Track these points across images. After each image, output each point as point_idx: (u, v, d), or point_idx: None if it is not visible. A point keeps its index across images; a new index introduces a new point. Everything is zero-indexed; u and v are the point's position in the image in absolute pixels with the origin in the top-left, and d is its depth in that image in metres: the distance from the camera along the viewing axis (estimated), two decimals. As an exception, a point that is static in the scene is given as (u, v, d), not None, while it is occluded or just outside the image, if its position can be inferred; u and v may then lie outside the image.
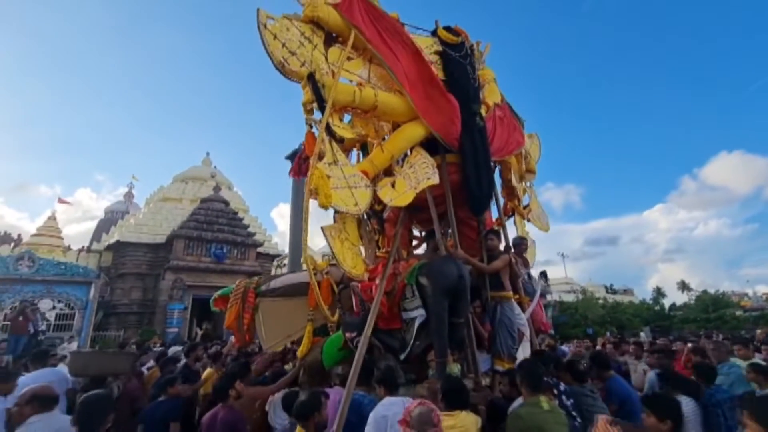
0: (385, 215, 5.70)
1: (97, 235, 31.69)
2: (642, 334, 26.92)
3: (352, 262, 3.77)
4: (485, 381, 4.14)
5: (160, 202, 26.95)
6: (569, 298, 38.16)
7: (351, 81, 4.20)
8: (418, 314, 3.99)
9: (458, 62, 5.14)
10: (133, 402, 4.85)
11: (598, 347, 9.10)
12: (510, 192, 6.13)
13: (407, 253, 5.74)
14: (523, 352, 4.56)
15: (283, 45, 3.61)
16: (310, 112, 3.72)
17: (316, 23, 3.97)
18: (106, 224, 34.59)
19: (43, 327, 15.70)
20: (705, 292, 39.70)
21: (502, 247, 5.14)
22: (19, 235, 32.33)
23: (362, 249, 4.72)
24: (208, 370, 5.65)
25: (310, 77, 3.64)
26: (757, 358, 5.88)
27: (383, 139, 4.42)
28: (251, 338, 5.24)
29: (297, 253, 15.86)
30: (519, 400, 3.08)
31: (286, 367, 5.24)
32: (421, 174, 4.23)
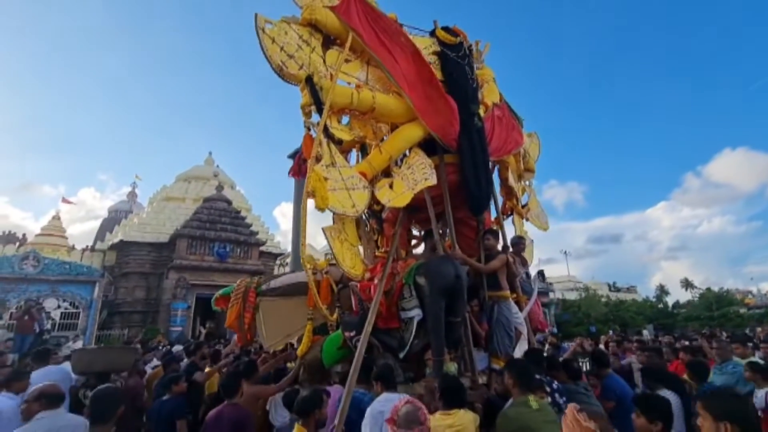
0: (383, 215, 5.75)
1: (100, 235, 31.85)
2: (645, 332, 26.92)
3: (351, 262, 3.82)
4: (482, 379, 4.19)
5: (163, 202, 27.08)
6: (572, 296, 38.10)
7: (349, 83, 4.24)
8: (416, 314, 4.04)
9: (456, 63, 5.16)
10: (135, 399, 4.97)
11: (601, 345, 9.11)
12: (508, 191, 6.15)
13: (406, 252, 5.78)
14: (521, 350, 4.60)
15: (282, 48, 3.66)
16: (308, 114, 3.76)
17: (314, 26, 4.00)
18: (109, 224, 34.76)
19: (48, 326, 15.85)
20: (709, 289, 39.63)
21: (500, 246, 5.18)
22: (24, 235, 32.56)
23: (361, 249, 4.76)
24: (207, 369, 5.75)
25: (308, 80, 3.68)
26: (756, 357, 5.91)
27: (381, 140, 4.45)
28: (252, 337, 5.31)
29: (299, 251, 15.95)
30: (514, 399, 3.13)
31: (289, 365, 5.33)
32: (419, 175, 4.27)
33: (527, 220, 6.51)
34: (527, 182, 6.77)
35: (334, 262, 4.54)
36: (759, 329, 13.71)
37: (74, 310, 17.82)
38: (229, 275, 21.25)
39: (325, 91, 3.71)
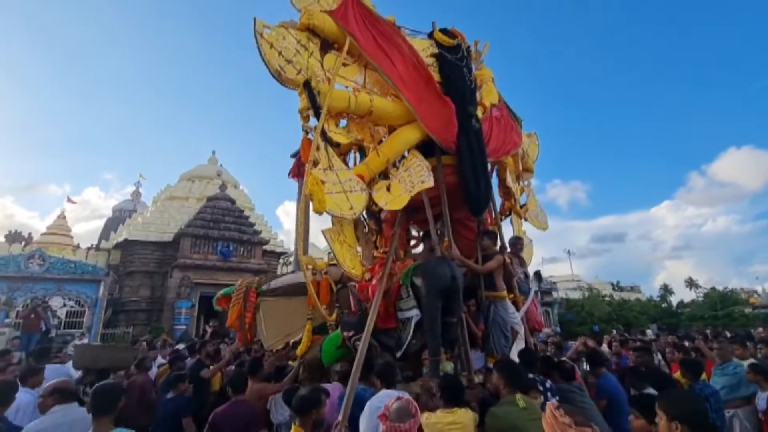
0: (382, 216, 5.81)
1: (105, 234, 32.04)
2: (648, 331, 26.85)
3: (351, 263, 3.88)
4: (478, 378, 4.24)
5: (167, 201, 27.22)
6: (575, 295, 37.99)
7: (347, 87, 4.29)
8: (415, 314, 4.10)
9: (454, 64, 5.21)
10: (142, 395, 5.10)
11: (604, 345, 9.13)
12: (507, 192, 6.19)
13: (404, 252, 5.83)
14: (518, 350, 4.66)
15: (280, 53, 3.72)
16: (306, 118, 3.83)
17: (311, 31, 4.06)
18: (114, 223, 34.97)
19: (56, 324, 16.00)
20: (713, 289, 39.39)
21: (497, 247, 5.23)
22: (30, 234, 32.79)
23: (359, 250, 4.82)
24: (212, 367, 5.86)
25: (306, 84, 3.75)
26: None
27: (379, 143, 4.50)
28: (253, 337, 5.39)
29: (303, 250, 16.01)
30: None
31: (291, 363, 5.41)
32: (416, 177, 4.32)
33: (526, 220, 6.55)
34: (526, 182, 6.81)
35: (333, 262, 4.61)
36: (760, 329, 13.64)
37: (79, 309, 17.99)
38: (232, 274, 21.36)
39: (323, 95, 3.77)
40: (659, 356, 7.17)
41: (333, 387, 3.99)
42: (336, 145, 4.10)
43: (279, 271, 25.45)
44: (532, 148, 7.09)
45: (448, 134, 4.76)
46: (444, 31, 5.43)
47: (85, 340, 14.29)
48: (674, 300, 46.90)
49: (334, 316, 4.72)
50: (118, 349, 6.03)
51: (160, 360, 7.57)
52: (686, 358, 5.26)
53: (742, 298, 41.28)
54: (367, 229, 5.88)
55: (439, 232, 4.98)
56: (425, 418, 2.78)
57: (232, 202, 25.33)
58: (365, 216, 5.77)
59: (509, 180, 6.08)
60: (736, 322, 31.51)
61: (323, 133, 3.77)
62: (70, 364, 6.08)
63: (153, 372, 6.17)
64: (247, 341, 5.35)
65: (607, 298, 36.81)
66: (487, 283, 4.72)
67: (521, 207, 6.48)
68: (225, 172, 31.01)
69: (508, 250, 5.52)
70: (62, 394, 3.21)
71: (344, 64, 4.21)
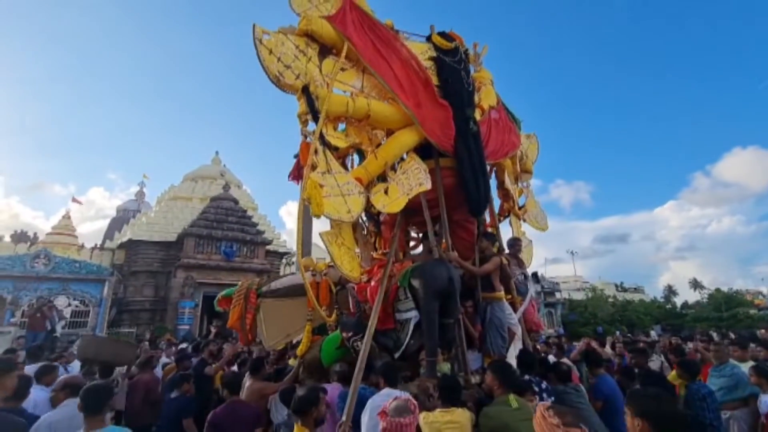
0: (381, 218, 5.85)
1: (109, 234, 32.33)
2: (652, 332, 26.70)
3: (349, 266, 3.92)
4: (475, 379, 4.28)
5: (170, 201, 27.41)
6: (579, 296, 37.89)
7: (345, 91, 4.35)
8: (414, 315, 4.15)
9: (452, 68, 5.25)
10: (148, 393, 5.21)
11: (607, 346, 9.13)
12: (505, 193, 6.22)
13: (403, 254, 5.87)
14: (516, 350, 4.69)
15: (279, 59, 3.77)
16: (305, 123, 3.88)
17: (310, 36, 4.12)
18: (118, 223, 35.23)
19: (62, 324, 16.14)
20: (718, 290, 39.26)
21: (495, 248, 5.26)
22: (35, 234, 33.03)
23: (358, 251, 4.87)
24: (215, 365, 5.95)
25: (305, 90, 3.80)
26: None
27: (378, 146, 4.55)
28: (253, 338, 5.45)
29: (305, 250, 16.08)
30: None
31: (291, 362, 5.48)
32: (414, 180, 4.36)
33: (524, 221, 6.57)
34: (525, 184, 6.83)
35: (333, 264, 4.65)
36: (763, 330, 13.57)
37: (84, 308, 18.15)
38: (235, 274, 21.51)
39: (321, 100, 3.82)
40: (662, 358, 7.15)
41: (332, 387, 4.05)
42: (334, 149, 4.16)
43: (282, 271, 25.54)
44: (531, 149, 7.11)
45: (444, 137, 4.80)
46: (442, 34, 5.47)
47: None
48: (678, 301, 46.71)
49: (333, 317, 4.77)
50: (122, 343, 6.12)
51: (164, 360, 7.69)
52: (684, 358, 5.28)
53: (747, 299, 40.99)
54: (366, 231, 5.93)
55: (436, 233, 5.02)
56: (423, 417, 2.84)
57: (236, 202, 25.47)
58: (364, 218, 5.82)
59: (507, 182, 6.11)
60: (741, 323, 31.30)
61: (322, 137, 3.83)
62: (74, 364, 6.17)
63: (157, 371, 6.27)
64: (247, 342, 5.42)
65: (610, 299, 36.70)
66: (484, 285, 4.75)
67: (520, 208, 6.50)
68: (228, 173, 31.17)
69: (506, 251, 5.55)
70: (73, 388, 3.43)
71: (342, 69, 4.26)
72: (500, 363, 3.43)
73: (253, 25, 3.72)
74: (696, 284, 55.22)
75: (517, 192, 6.49)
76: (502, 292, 4.79)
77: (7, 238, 25.93)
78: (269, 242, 25.48)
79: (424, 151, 4.77)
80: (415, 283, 4.15)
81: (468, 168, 4.82)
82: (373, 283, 4.47)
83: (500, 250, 5.45)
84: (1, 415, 2.74)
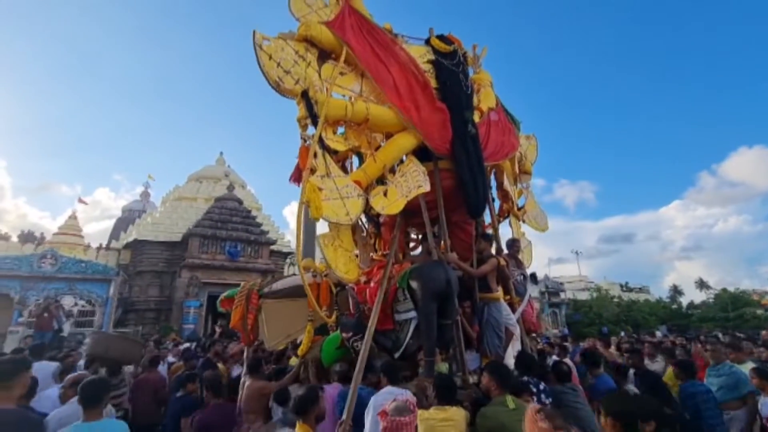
0: (381, 220, 5.91)
1: (115, 234, 32.54)
2: (658, 333, 26.58)
3: (344, 268, 3.97)
4: (473, 379, 4.33)
5: (175, 201, 27.59)
6: (583, 296, 37.75)
7: (344, 96, 4.40)
8: (414, 316, 4.20)
9: (451, 71, 5.29)
10: (156, 391, 5.33)
11: (612, 347, 9.12)
12: (504, 195, 6.25)
13: (403, 255, 5.92)
14: (515, 351, 4.73)
15: (278, 65, 3.84)
16: (304, 127, 3.95)
17: (309, 41, 4.18)
18: (123, 223, 35.49)
19: (70, 323, 16.31)
20: (724, 290, 38.90)
21: (493, 250, 5.30)
22: (42, 234, 33.42)
23: (357, 253, 4.92)
24: (219, 365, 6.04)
25: (304, 95, 3.87)
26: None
27: (376, 149, 4.60)
28: (255, 338, 5.52)
29: (308, 251, 16.16)
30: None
31: (291, 361, 5.55)
32: (413, 182, 4.41)
33: (524, 222, 6.60)
34: (524, 184, 6.86)
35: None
36: (764, 332, 13.48)
37: (90, 308, 18.32)
38: (240, 274, 21.61)
39: (320, 104, 3.88)
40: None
41: (332, 387, 4.12)
42: (334, 152, 4.21)
43: (286, 271, 25.66)
44: (531, 150, 7.14)
45: (441, 140, 4.84)
46: (441, 37, 5.52)
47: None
48: (684, 301, 46.39)
49: (333, 317, 4.83)
50: (131, 341, 6.22)
51: (170, 359, 7.81)
52: (681, 359, 5.31)
53: (754, 299, 40.59)
54: (365, 233, 5.98)
55: (435, 235, 5.06)
56: (419, 414, 2.89)
57: (240, 202, 25.62)
58: (364, 220, 5.87)
59: (506, 183, 6.15)
60: (748, 323, 31.09)
61: (321, 141, 3.89)
62: (81, 363, 6.26)
63: (162, 369, 6.37)
64: (249, 342, 5.49)
65: (615, 299, 36.55)
66: (482, 285, 4.80)
67: (520, 209, 6.53)
68: (232, 173, 31.35)
69: (505, 252, 5.58)
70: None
71: (341, 73, 4.32)
72: (497, 364, 3.47)
73: (254, 32, 3.78)
74: (702, 284, 54.84)
75: (516, 193, 6.52)
76: (500, 293, 4.84)
77: (15, 239, 26.27)
78: (273, 242, 25.60)
79: (422, 153, 4.81)
80: (414, 284, 4.21)
81: (466, 170, 4.87)
82: (372, 285, 4.53)
83: (500, 251, 5.49)
84: (21, 412, 2.84)
